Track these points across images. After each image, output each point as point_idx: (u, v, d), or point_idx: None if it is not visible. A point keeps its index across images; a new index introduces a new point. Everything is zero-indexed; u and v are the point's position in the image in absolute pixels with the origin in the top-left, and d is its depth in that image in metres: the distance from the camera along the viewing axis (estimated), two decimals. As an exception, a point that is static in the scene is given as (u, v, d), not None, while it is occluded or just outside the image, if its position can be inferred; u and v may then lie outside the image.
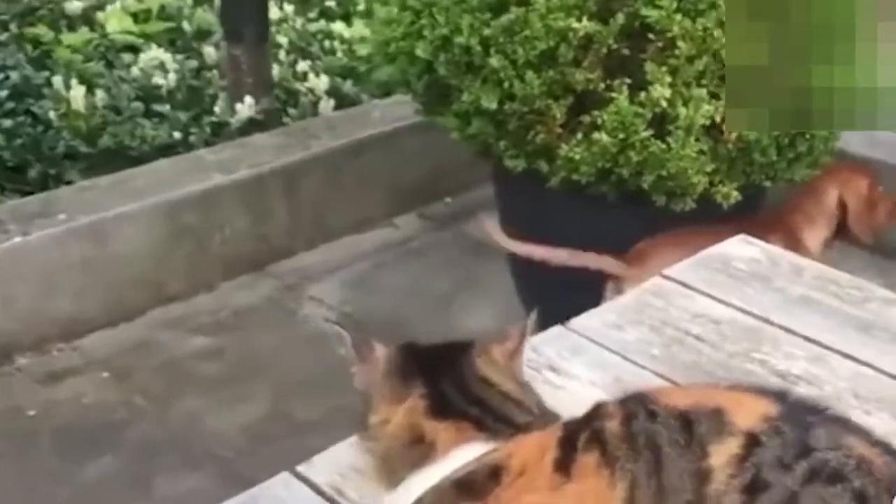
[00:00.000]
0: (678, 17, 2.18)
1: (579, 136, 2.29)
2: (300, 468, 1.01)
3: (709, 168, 2.22)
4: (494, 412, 0.85)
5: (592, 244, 2.53)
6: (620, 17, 2.22)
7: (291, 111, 3.67)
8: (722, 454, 0.74)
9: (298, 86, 3.75)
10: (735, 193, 2.25)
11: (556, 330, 1.28)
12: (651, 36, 2.22)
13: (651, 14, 2.20)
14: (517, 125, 2.38)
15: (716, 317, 1.31)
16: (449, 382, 0.87)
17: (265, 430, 2.63)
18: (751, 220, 2.28)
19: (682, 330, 1.29)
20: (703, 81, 2.20)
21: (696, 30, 2.18)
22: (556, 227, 2.57)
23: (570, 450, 0.79)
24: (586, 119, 2.28)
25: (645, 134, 2.19)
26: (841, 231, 2.34)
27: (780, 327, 1.29)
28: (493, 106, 2.35)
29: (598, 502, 0.76)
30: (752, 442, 0.74)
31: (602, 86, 2.26)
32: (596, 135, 2.22)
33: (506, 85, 2.33)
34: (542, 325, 1.20)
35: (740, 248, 1.46)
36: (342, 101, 3.74)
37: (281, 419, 2.69)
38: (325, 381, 2.81)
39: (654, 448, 0.76)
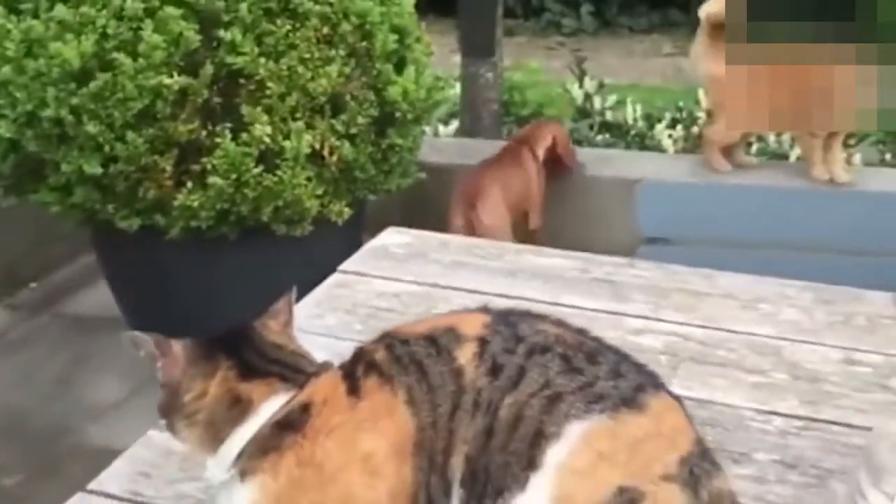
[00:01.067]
0: (262, 60, 2.38)
1: (190, 184, 2.40)
2: (92, 485, 1.06)
3: (319, 191, 2.43)
4: (291, 366, 1.03)
5: (216, 286, 2.65)
6: (209, 68, 2.37)
7: None
8: (465, 355, 0.98)
9: None
10: (347, 210, 2.49)
11: (266, 329, 1.41)
12: (242, 81, 2.39)
13: (237, 61, 2.37)
14: (125, 185, 2.43)
15: (394, 291, 1.52)
16: (249, 352, 1.03)
17: None
18: (495, 157, 3.27)
19: (372, 307, 1.48)
20: (297, 115, 2.41)
21: (281, 70, 2.39)
22: (175, 279, 2.65)
23: (354, 380, 1.00)
24: (196, 167, 2.39)
25: (256, 171, 2.35)
26: (549, 159, 3.29)
27: (446, 287, 1.53)
28: (98, 171, 2.38)
29: (387, 408, 0.97)
30: (482, 342, 0.99)
31: (204, 133, 2.39)
32: (210, 179, 2.35)
33: (107, 149, 2.38)
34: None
35: (394, 237, 1.68)
36: None
37: None
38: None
39: (416, 362, 0.99)
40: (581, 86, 4.46)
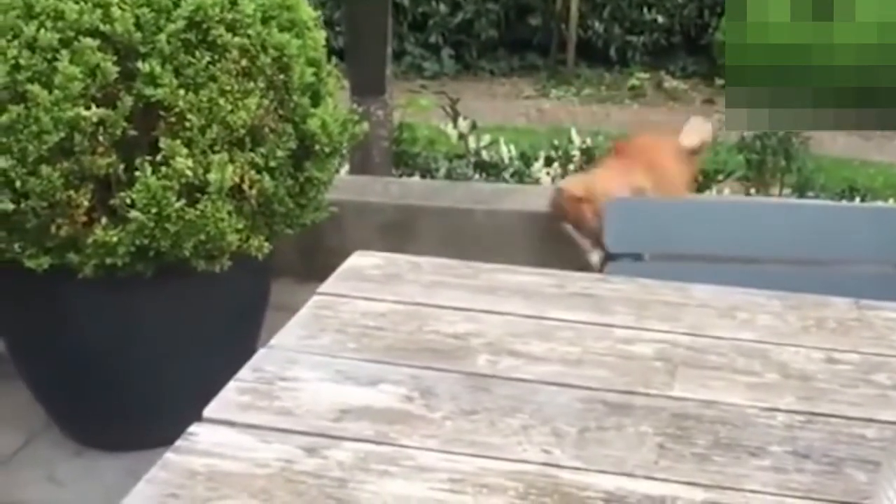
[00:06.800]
0: (182, 92, 2.33)
1: (104, 220, 2.32)
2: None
3: (240, 225, 2.39)
4: None
5: (130, 326, 2.56)
6: (128, 100, 2.30)
7: None
8: None
9: None
10: (267, 244, 2.45)
11: (261, 353, 1.38)
12: (161, 113, 2.34)
13: (156, 93, 2.32)
14: (36, 222, 2.32)
15: (380, 311, 1.51)
16: None
17: None
18: None
19: (361, 326, 1.47)
20: (217, 148, 2.37)
21: (201, 102, 2.34)
22: (88, 320, 2.55)
23: None
24: (115, 202, 2.31)
25: (178, 204, 2.30)
26: None
27: (431, 305, 1.53)
28: (10, 207, 2.28)
29: None
30: None
31: (122, 167, 2.32)
32: (131, 213, 2.28)
33: (17, 184, 2.28)
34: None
35: (364, 259, 1.67)
36: None
37: None
38: None
39: None
40: (455, 126, 4.55)
